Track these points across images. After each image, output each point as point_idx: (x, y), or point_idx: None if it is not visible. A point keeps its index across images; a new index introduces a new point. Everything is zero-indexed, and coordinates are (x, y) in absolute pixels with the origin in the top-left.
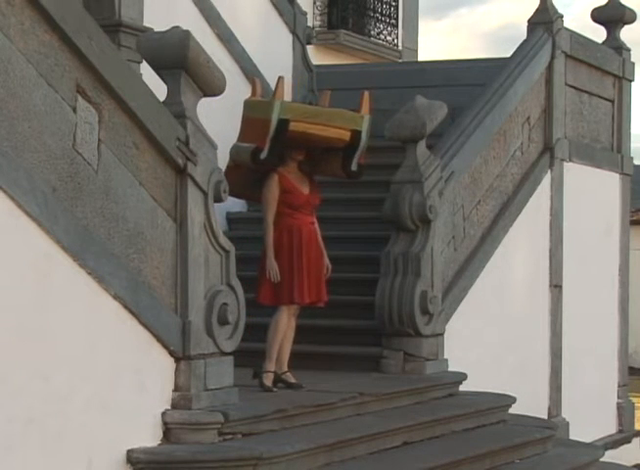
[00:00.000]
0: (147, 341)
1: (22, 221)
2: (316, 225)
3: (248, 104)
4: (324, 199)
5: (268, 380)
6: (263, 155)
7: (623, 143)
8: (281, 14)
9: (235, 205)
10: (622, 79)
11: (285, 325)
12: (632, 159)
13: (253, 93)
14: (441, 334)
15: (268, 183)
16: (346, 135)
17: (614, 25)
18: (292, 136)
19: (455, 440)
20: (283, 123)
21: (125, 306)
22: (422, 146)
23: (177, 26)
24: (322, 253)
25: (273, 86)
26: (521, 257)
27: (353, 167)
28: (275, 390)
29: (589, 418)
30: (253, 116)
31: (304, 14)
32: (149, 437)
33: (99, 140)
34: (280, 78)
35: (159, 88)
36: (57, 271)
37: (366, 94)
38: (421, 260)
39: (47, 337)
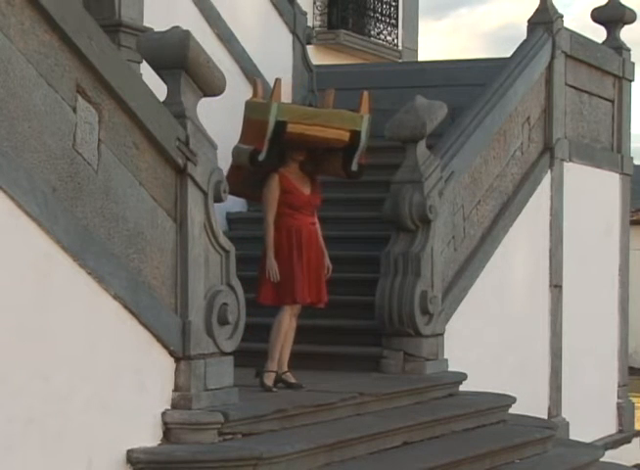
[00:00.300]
0: (147, 341)
1: (23, 221)
2: (317, 226)
3: (248, 105)
4: (324, 199)
5: (269, 380)
6: (261, 157)
7: (623, 143)
8: (281, 14)
9: (235, 205)
10: (622, 79)
11: (287, 325)
12: (632, 159)
13: (255, 94)
14: (441, 334)
15: (269, 183)
16: (345, 136)
17: (614, 25)
18: (290, 138)
19: (455, 440)
20: (280, 125)
21: (125, 306)
22: (422, 146)
23: (177, 26)
24: (323, 253)
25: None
26: (521, 257)
27: (354, 168)
28: (275, 390)
29: (589, 418)
30: (252, 117)
31: (304, 14)
32: (149, 437)
33: (99, 140)
34: (277, 80)
35: (159, 88)
36: (57, 271)
37: (365, 94)
38: (421, 260)
39: (47, 337)
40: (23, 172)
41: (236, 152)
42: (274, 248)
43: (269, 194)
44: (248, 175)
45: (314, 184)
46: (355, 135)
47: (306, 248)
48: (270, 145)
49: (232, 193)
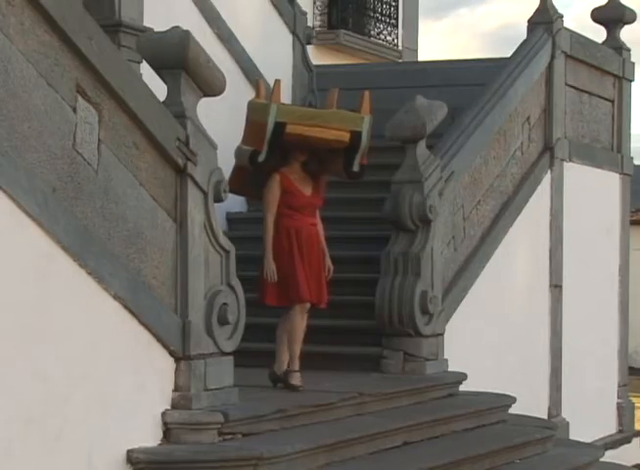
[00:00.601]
0: (147, 341)
1: (23, 221)
2: (318, 227)
3: (249, 106)
4: (324, 199)
5: (296, 380)
6: (261, 158)
7: (623, 143)
8: (281, 14)
9: (235, 205)
10: (622, 79)
11: (300, 323)
12: (632, 159)
13: (257, 94)
14: (441, 334)
15: (269, 184)
16: (346, 136)
17: (614, 25)
18: (289, 139)
19: (455, 440)
20: (279, 127)
21: (125, 306)
22: (422, 146)
23: (177, 26)
24: (323, 254)
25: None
26: (521, 257)
27: (355, 168)
28: (302, 389)
29: (589, 418)
30: (253, 118)
31: (304, 14)
32: (149, 437)
33: (99, 140)
34: (277, 81)
35: (158, 88)
36: (57, 271)
37: (366, 94)
38: (421, 260)
39: (47, 337)
40: (23, 172)
41: (238, 152)
42: (275, 248)
43: (269, 194)
44: (251, 175)
45: (317, 184)
46: (356, 136)
47: (306, 248)
48: (270, 146)
49: (236, 192)
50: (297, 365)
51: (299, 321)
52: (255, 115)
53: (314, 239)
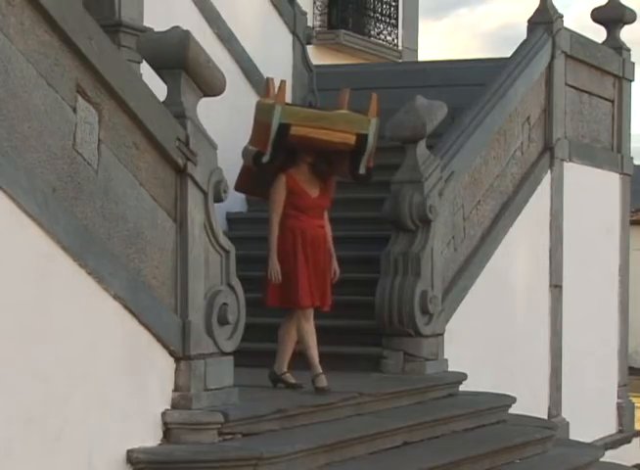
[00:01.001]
0: (147, 341)
1: (23, 221)
2: (326, 229)
3: (257, 106)
4: (332, 200)
5: (322, 382)
6: (265, 159)
7: (623, 143)
8: (281, 14)
9: (235, 205)
10: (622, 79)
11: (307, 328)
12: (632, 159)
13: (266, 94)
14: (441, 334)
15: (275, 184)
16: (351, 139)
17: (614, 25)
18: (294, 141)
19: (455, 440)
20: (283, 128)
21: (125, 306)
22: (422, 146)
23: (177, 26)
24: (330, 256)
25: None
26: (521, 257)
27: (361, 171)
28: (329, 389)
29: (589, 418)
30: (259, 119)
31: (304, 14)
32: (149, 437)
33: (99, 140)
34: (282, 82)
35: (158, 88)
36: (57, 271)
37: (374, 96)
38: (421, 260)
39: (47, 337)
40: (24, 172)
41: (245, 152)
42: (279, 249)
43: (275, 195)
44: (258, 175)
45: (326, 186)
46: (362, 138)
47: (311, 250)
48: (274, 147)
49: (245, 192)
50: (319, 368)
51: (306, 326)
52: (261, 115)
53: (320, 241)
